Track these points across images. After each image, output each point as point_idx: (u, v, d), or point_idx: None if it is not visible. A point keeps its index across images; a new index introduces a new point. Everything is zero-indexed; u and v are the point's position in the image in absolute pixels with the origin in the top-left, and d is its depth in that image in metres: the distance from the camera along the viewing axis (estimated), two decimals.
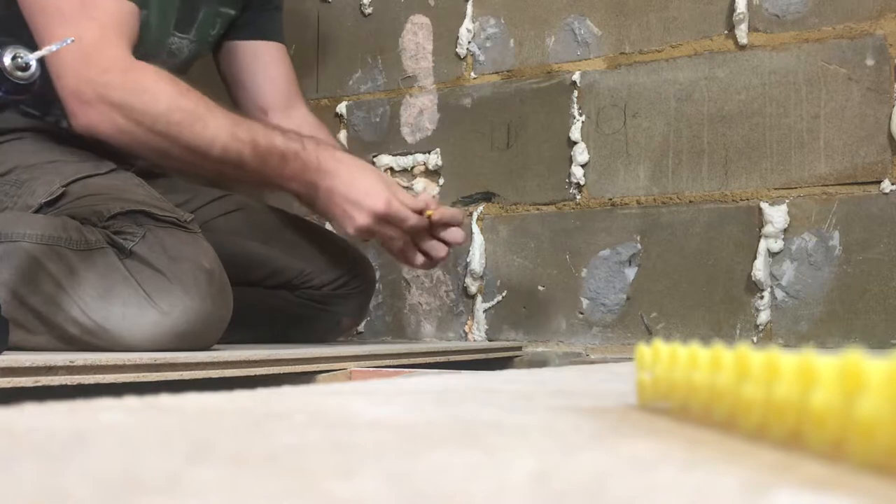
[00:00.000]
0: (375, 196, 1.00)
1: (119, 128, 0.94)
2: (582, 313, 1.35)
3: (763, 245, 1.21)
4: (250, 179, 1.03)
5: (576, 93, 1.39)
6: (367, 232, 1.03)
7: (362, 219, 1.01)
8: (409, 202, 1.02)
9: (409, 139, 1.53)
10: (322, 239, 1.29)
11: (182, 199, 1.16)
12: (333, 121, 1.57)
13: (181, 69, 1.16)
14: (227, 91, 1.31)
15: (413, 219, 1.03)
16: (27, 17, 0.95)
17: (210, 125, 0.95)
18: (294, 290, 1.26)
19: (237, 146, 0.97)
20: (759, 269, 1.21)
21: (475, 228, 1.45)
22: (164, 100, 0.94)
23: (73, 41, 0.77)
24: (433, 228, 1.07)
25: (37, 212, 0.95)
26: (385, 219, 1.01)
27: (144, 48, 1.03)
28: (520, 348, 1.33)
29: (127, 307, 0.87)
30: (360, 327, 1.49)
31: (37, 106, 1.05)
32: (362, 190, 1.01)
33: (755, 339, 1.22)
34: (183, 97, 0.95)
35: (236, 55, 1.29)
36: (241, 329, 1.12)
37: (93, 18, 0.93)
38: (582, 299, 1.35)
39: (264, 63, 1.28)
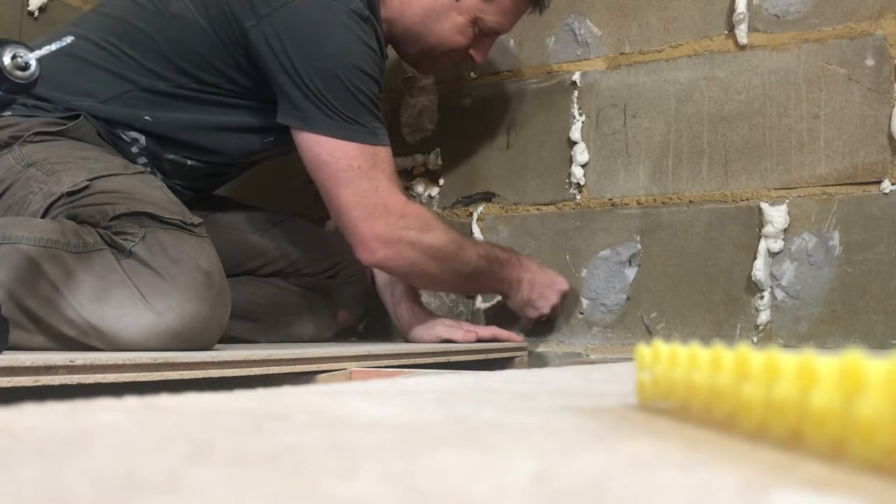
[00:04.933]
0: (559, 281, 1.31)
1: (411, 260, 1.13)
2: (582, 313, 1.35)
3: (763, 245, 1.21)
4: (482, 283, 1.25)
5: (576, 93, 1.39)
6: (555, 307, 1.31)
7: (555, 297, 1.29)
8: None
9: (409, 139, 1.53)
10: (314, 232, 1.34)
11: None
12: None
13: None
14: None
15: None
16: (318, 174, 1.10)
17: (467, 250, 1.18)
18: (288, 277, 1.31)
19: (481, 262, 1.20)
20: (759, 270, 1.21)
21: (475, 229, 1.45)
22: (442, 234, 1.15)
23: (73, 40, 0.78)
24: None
25: (57, 200, 0.97)
26: (566, 294, 1.32)
27: None
28: (520, 348, 1.32)
29: (123, 309, 0.87)
30: (360, 327, 1.49)
31: (159, 145, 1.14)
32: (550, 277, 1.30)
33: (755, 339, 1.22)
34: (449, 230, 1.18)
35: None
36: (240, 321, 1.15)
37: (382, 171, 1.10)
38: (582, 299, 1.35)
39: None
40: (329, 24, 1.06)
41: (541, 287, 1.28)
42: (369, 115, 1.10)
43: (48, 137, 1.06)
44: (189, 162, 1.17)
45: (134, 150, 1.13)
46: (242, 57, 1.10)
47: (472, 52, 1.25)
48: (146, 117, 1.12)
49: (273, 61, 1.07)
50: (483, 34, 1.24)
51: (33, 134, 1.05)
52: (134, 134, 1.13)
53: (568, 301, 1.35)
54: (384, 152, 1.12)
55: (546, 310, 1.29)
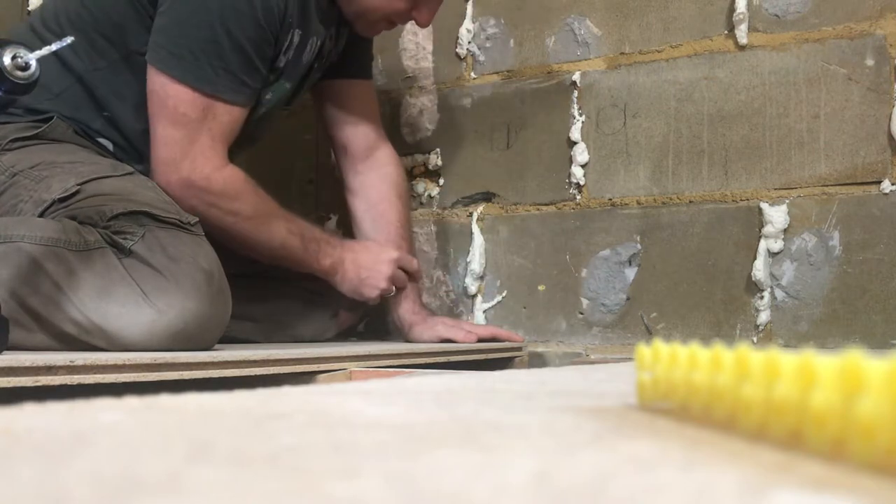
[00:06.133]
0: (386, 251, 1.24)
1: (206, 218, 1.06)
2: (582, 313, 1.35)
3: (763, 245, 1.21)
4: (295, 260, 1.19)
5: (576, 93, 1.39)
6: (391, 279, 1.22)
7: (386, 268, 1.21)
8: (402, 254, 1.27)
9: (409, 139, 1.53)
10: None
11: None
12: None
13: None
14: (319, 120, 1.31)
15: (416, 261, 1.29)
16: (148, 102, 1.07)
17: (273, 226, 1.15)
18: (290, 279, 1.30)
19: (291, 239, 1.16)
20: (759, 270, 1.21)
21: (475, 229, 1.45)
22: (248, 207, 1.11)
23: (72, 40, 0.78)
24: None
25: (49, 207, 0.96)
26: (398, 263, 1.23)
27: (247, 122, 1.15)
28: (520, 348, 1.32)
29: (124, 306, 0.87)
30: (360, 327, 1.49)
31: (128, 156, 1.13)
32: (375, 250, 1.24)
33: (755, 339, 1.22)
34: (261, 203, 1.13)
35: (326, 93, 1.31)
36: (240, 321, 1.14)
37: (209, 129, 1.06)
38: (582, 299, 1.35)
39: (352, 101, 1.30)
40: None
41: (368, 263, 1.21)
42: (221, 60, 1.04)
43: (27, 143, 1.05)
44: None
45: (111, 151, 1.13)
46: (155, 11, 1.07)
47: (414, 14, 1.17)
48: (105, 113, 1.11)
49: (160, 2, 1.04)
50: None
51: (10, 141, 1.04)
52: (103, 140, 1.12)
53: (415, 264, 1.28)
54: (223, 108, 1.06)
55: (383, 283, 1.21)
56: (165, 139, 1.06)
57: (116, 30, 1.10)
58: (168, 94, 1.05)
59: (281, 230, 1.15)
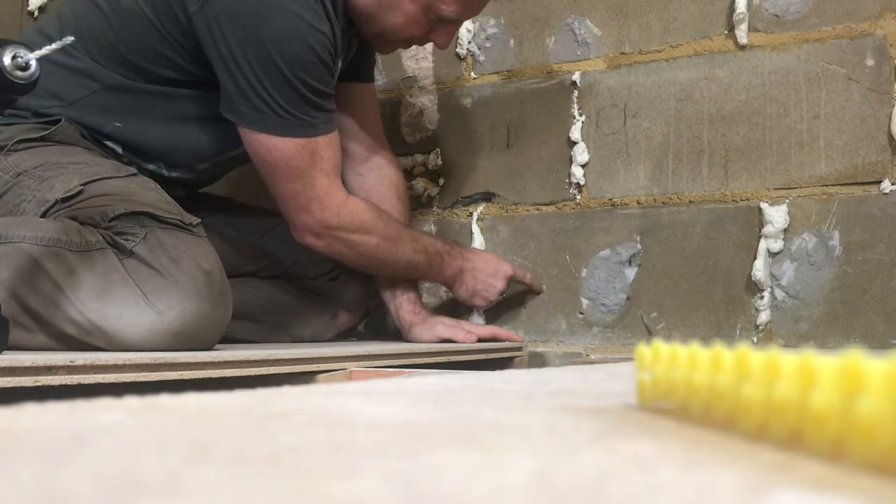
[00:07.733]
0: (503, 268, 1.32)
1: (337, 252, 1.18)
2: (582, 313, 1.35)
3: (763, 245, 1.21)
4: (420, 274, 1.29)
5: (576, 93, 1.38)
6: (501, 293, 1.33)
7: (500, 284, 1.31)
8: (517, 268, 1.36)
9: (409, 139, 1.53)
10: None
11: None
12: None
13: None
14: None
15: (530, 275, 1.37)
16: (257, 166, 1.12)
17: (400, 247, 1.22)
18: (290, 279, 1.30)
19: (416, 257, 1.24)
20: (759, 270, 1.21)
21: (475, 229, 1.45)
22: (375, 236, 1.19)
23: (72, 39, 0.78)
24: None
25: (52, 207, 0.97)
26: (512, 279, 1.33)
27: None
28: (520, 348, 1.32)
29: (124, 307, 0.87)
30: (360, 327, 1.49)
31: (137, 157, 1.14)
32: (493, 266, 1.32)
33: (755, 339, 1.22)
34: (385, 228, 1.20)
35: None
36: (240, 321, 1.14)
37: (320, 168, 1.11)
38: (582, 299, 1.35)
39: (353, 104, 1.31)
40: (270, 8, 1.02)
41: (485, 277, 1.30)
42: (308, 106, 1.07)
43: (33, 144, 1.05)
44: (166, 173, 1.16)
45: (119, 154, 1.13)
46: (194, 47, 1.07)
47: (432, 37, 1.18)
48: (116, 123, 1.11)
49: (213, 49, 1.04)
50: (442, 21, 1.16)
51: (17, 142, 1.04)
52: (111, 144, 1.12)
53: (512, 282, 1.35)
54: (324, 143, 1.10)
55: (493, 297, 1.32)
56: (288, 195, 1.11)
57: (142, 53, 1.09)
58: (272, 153, 1.08)
59: (407, 251, 1.22)
